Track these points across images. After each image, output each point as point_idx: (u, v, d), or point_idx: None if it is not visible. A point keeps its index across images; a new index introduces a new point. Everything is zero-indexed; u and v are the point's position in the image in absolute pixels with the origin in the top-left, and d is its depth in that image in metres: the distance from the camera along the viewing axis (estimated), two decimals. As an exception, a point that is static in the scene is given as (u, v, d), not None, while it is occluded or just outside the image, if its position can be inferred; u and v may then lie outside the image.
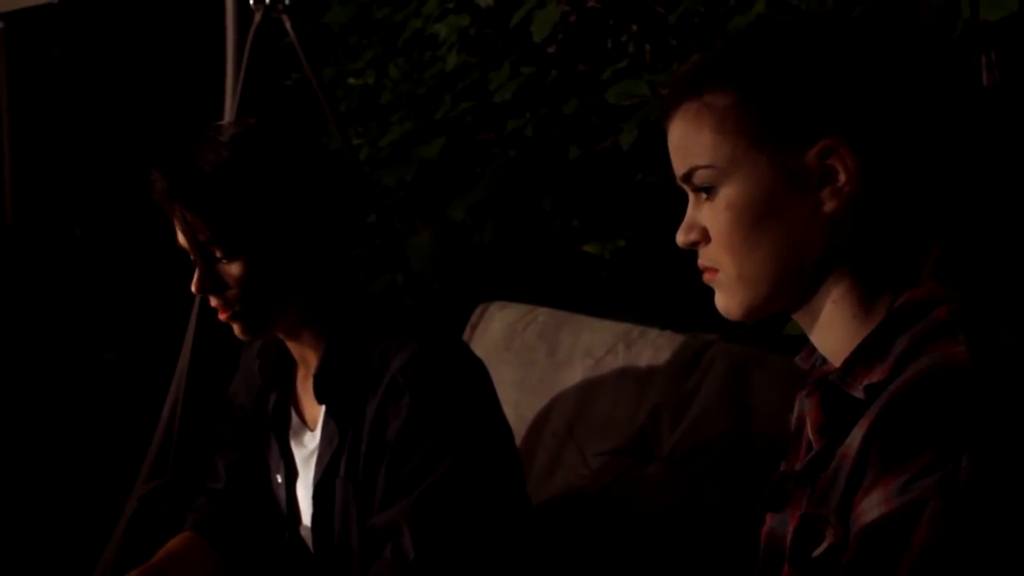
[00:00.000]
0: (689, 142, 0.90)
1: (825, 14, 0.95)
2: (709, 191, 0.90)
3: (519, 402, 1.84)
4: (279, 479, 1.47)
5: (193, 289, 1.32)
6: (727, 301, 0.92)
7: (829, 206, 0.87)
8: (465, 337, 1.99)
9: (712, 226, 0.91)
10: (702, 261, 0.93)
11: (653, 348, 1.70)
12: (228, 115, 2.14)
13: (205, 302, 1.43)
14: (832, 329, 0.90)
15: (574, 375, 1.79)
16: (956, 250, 0.88)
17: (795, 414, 1.03)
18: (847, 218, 0.87)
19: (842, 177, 0.86)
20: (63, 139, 3.86)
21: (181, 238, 1.32)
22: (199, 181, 1.28)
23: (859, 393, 0.85)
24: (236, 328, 1.35)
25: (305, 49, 2.10)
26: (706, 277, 0.93)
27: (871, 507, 0.78)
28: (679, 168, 0.92)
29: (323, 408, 1.38)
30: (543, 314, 1.92)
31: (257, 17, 2.03)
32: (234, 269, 1.31)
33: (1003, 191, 0.91)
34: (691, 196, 0.93)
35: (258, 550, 1.53)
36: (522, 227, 2.45)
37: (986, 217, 0.89)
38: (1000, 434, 0.75)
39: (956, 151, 0.87)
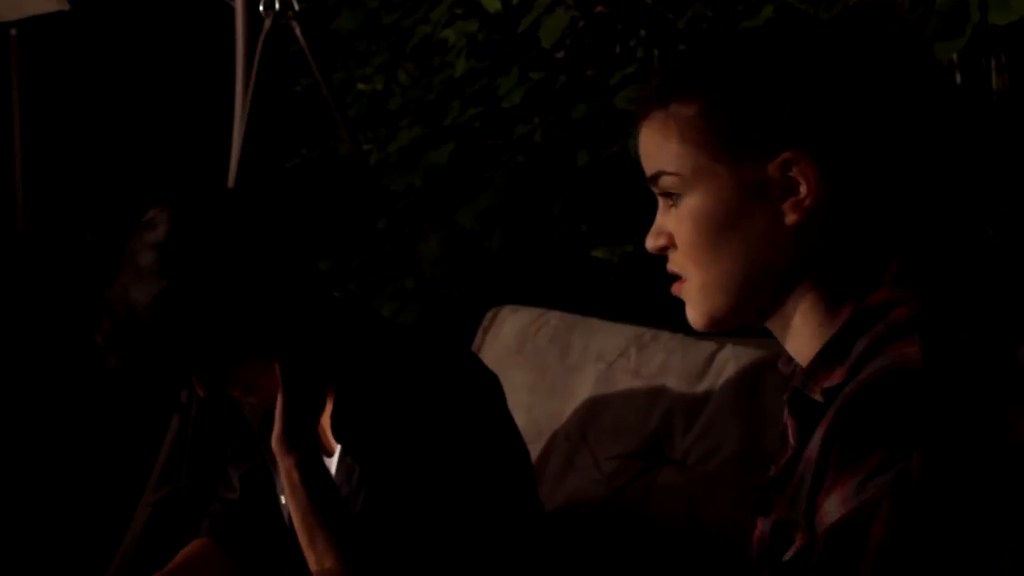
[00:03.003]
0: (656, 148, 0.92)
1: (794, 22, 0.95)
2: (674, 198, 0.91)
3: (531, 406, 1.84)
4: (283, 500, 1.46)
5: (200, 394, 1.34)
6: (691, 312, 0.93)
7: (791, 218, 0.87)
8: (476, 341, 1.99)
9: (676, 234, 0.92)
10: (670, 266, 0.94)
11: (665, 351, 1.70)
12: (238, 120, 2.15)
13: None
14: (802, 337, 0.91)
15: (586, 379, 1.79)
16: (917, 256, 0.89)
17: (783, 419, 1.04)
18: (810, 230, 0.88)
19: (803, 190, 0.87)
20: (74, 145, 3.88)
21: None
22: (139, 331, 1.22)
23: (818, 396, 0.86)
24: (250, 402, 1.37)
25: (314, 55, 2.11)
26: (674, 288, 0.94)
27: (832, 508, 0.78)
28: (647, 170, 0.94)
29: (336, 443, 1.37)
30: (554, 318, 1.92)
31: (267, 23, 2.04)
32: (200, 386, 1.32)
33: (965, 196, 0.91)
34: (660, 201, 0.94)
35: (273, 559, 1.53)
36: (531, 232, 2.46)
37: (947, 223, 0.90)
38: (951, 432, 0.75)
39: (920, 161, 0.87)
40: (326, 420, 1.38)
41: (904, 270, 0.88)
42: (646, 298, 2.24)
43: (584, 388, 1.79)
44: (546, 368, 1.86)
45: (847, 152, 0.86)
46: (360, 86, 2.92)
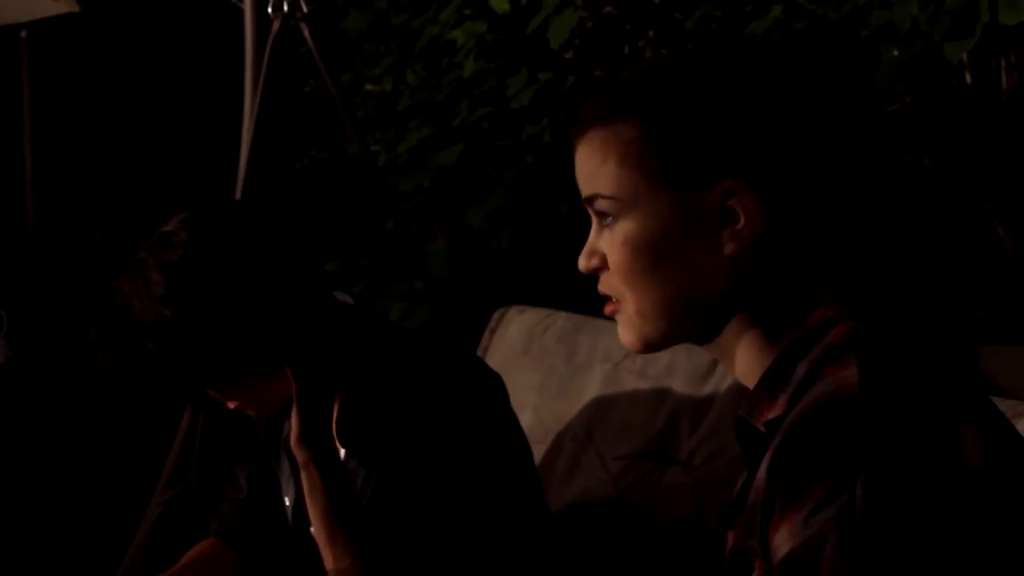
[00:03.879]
0: (593, 168, 0.89)
1: (738, 47, 0.92)
2: (609, 220, 0.89)
3: (538, 406, 1.84)
4: (287, 501, 1.47)
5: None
6: (625, 335, 0.91)
7: (728, 248, 0.86)
8: (483, 342, 2.00)
9: (610, 257, 0.89)
10: (601, 288, 0.92)
11: (671, 352, 1.70)
12: (247, 121, 2.15)
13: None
14: (743, 362, 0.90)
15: (593, 379, 1.79)
16: (854, 278, 0.88)
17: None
18: (747, 258, 0.86)
19: (741, 220, 0.85)
20: (84, 145, 3.89)
21: None
22: (143, 353, 1.23)
23: (761, 427, 0.85)
24: (248, 412, 1.36)
25: (323, 56, 2.11)
26: (607, 309, 0.92)
27: (781, 542, 0.77)
28: (582, 190, 0.91)
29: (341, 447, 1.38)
30: (561, 318, 1.92)
31: (276, 24, 2.05)
32: (216, 395, 1.32)
33: (900, 215, 0.91)
34: (593, 220, 0.92)
35: (280, 558, 1.54)
36: (540, 233, 2.46)
37: (883, 245, 0.89)
38: (892, 458, 0.74)
39: (857, 190, 0.87)
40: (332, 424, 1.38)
41: (842, 292, 0.87)
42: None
43: (591, 388, 1.79)
44: (553, 368, 1.86)
45: (786, 183, 0.85)
46: (369, 87, 2.92)
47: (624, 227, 0.88)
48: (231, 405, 1.35)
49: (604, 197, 0.89)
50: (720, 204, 0.86)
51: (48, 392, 3.09)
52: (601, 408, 1.75)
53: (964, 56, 1.99)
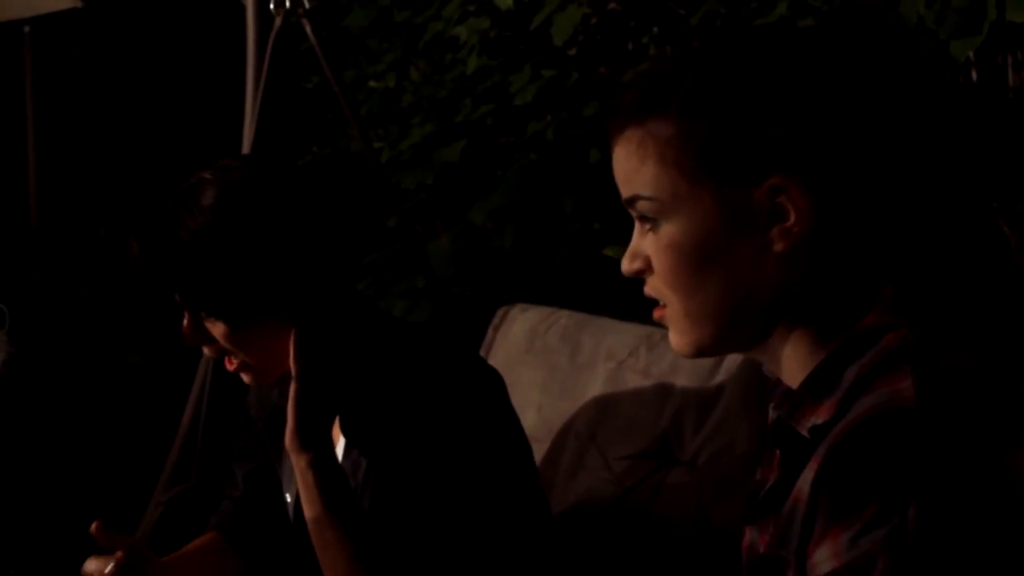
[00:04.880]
0: (632, 170, 0.85)
1: (779, 31, 0.86)
2: (652, 222, 0.85)
3: (542, 404, 1.84)
4: (288, 498, 1.46)
5: (183, 342, 1.31)
6: (677, 339, 0.88)
7: (778, 246, 0.82)
8: (487, 340, 1.99)
9: (655, 260, 0.86)
10: (648, 291, 0.88)
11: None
12: (248, 118, 2.15)
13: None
14: (791, 366, 0.86)
15: (596, 378, 1.78)
16: (910, 280, 0.83)
17: (769, 421, 0.97)
18: (798, 257, 0.82)
19: (792, 217, 0.81)
20: (87, 141, 3.89)
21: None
22: (177, 248, 1.24)
23: (805, 432, 0.81)
24: (244, 378, 1.34)
25: (325, 52, 2.10)
26: (656, 314, 0.89)
27: (822, 560, 0.74)
28: (622, 192, 0.88)
29: (342, 436, 1.37)
30: (565, 316, 1.91)
31: (277, 21, 2.04)
32: (217, 328, 1.29)
33: (964, 215, 0.85)
34: (636, 222, 0.88)
35: (277, 554, 1.53)
36: (543, 230, 2.45)
37: (943, 245, 0.84)
38: (947, 481, 0.71)
39: (919, 181, 0.82)
40: None
41: (897, 296, 0.83)
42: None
43: (594, 387, 1.78)
44: (556, 367, 1.85)
45: (840, 176, 0.80)
46: (372, 83, 2.91)
47: (667, 230, 0.84)
48: (230, 366, 1.33)
49: (644, 199, 0.85)
50: (768, 201, 0.81)
51: (50, 389, 3.09)
52: (605, 407, 1.74)
53: (970, 53, 1.98)
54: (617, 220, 2.36)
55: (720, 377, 1.61)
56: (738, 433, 1.55)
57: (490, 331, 2.01)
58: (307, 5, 2.04)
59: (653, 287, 0.88)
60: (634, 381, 1.72)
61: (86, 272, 3.64)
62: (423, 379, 1.31)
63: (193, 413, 2.06)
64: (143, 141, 3.87)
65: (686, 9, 2.36)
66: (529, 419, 1.85)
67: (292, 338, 1.27)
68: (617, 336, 1.79)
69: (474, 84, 2.61)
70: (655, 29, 2.39)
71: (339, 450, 1.37)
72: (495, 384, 1.41)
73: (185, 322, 1.30)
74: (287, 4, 2.03)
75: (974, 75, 2.19)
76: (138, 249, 1.27)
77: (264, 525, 1.54)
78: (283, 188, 1.29)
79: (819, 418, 0.81)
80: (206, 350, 1.33)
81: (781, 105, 0.80)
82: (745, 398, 1.56)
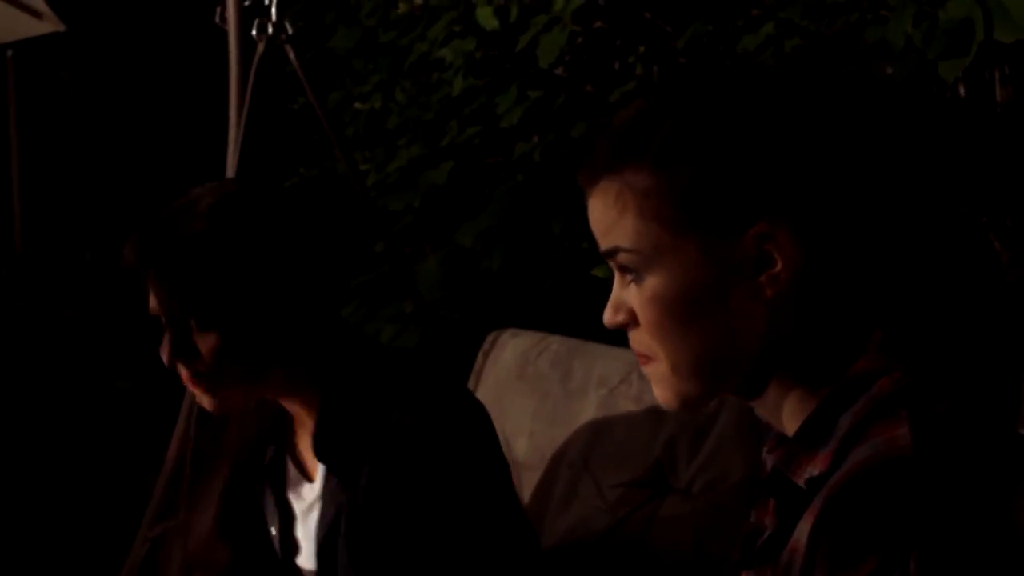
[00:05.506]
0: (610, 222, 0.82)
1: (754, 76, 0.82)
2: (634, 274, 0.82)
3: (534, 431, 1.82)
4: (274, 531, 1.44)
5: (164, 359, 1.28)
6: (663, 393, 0.84)
7: (766, 293, 0.79)
8: (477, 366, 1.97)
9: (640, 314, 0.82)
10: (633, 345, 0.85)
11: (667, 377, 1.67)
12: (232, 144, 2.13)
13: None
14: (782, 409, 0.84)
15: (588, 404, 1.77)
16: (900, 324, 0.81)
17: (763, 461, 0.95)
18: (786, 303, 0.79)
19: (779, 263, 0.78)
20: (72, 165, 3.87)
21: (153, 304, 1.28)
22: (174, 251, 1.24)
23: (802, 483, 0.79)
24: (206, 402, 1.31)
25: (309, 75, 2.09)
26: (642, 365, 0.86)
27: None
28: (600, 244, 0.84)
29: (321, 464, 1.35)
30: (555, 342, 1.90)
31: (260, 47, 2.03)
32: (207, 341, 1.26)
33: (951, 250, 0.81)
34: (616, 273, 0.85)
35: None
36: (532, 252, 2.43)
37: (933, 285, 0.81)
38: (947, 532, 0.69)
39: (907, 222, 0.79)
40: (306, 444, 1.35)
41: (888, 338, 0.80)
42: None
43: (586, 414, 1.76)
44: (547, 393, 1.84)
45: (825, 217, 0.78)
46: (357, 105, 2.90)
47: (651, 283, 0.81)
48: (195, 387, 1.30)
49: (625, 251, 0.81)
50: (755, 248, 0.78)
51: (36, 416, 3.06)
52: (597, 434, 1.72)
53: (958, 70, 1.97)
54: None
55: (713, 404, 1.60)
56: (733, 461, 1.54)
57: (480, 357, 1.99)
58: (289, 31, 2.03)
59: (638, 342, 0.85)
60: (627, 408, 1.70)
61: (72, 297, 3.62)
62: (412, 412, 1.29)
63: (180, 443, 2.03)
64: (128, 165, 3.85)
65: (672, 27, 2.36)
66: (521, 446, 1.84)
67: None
68: (609, 362, 1.78)
69: (460, 106, 2.59)
70: (641, 48, 2.38)
71: (318, 477, 1.36)
72: (483, 417, 1.39)
73: (166, 339, 1.27)
74: (269, 30, 2.02)
75: (962, 90, 2.19)
76: (134, 255, 1.26)
77: (245, 564, 1.51)
78: (278, 199, 1.31)
79: (815, 469, 0.78)
80: (182, 370, 1.30)
81: (762, 149, 0.78)
82: (739, 426, 1.55)
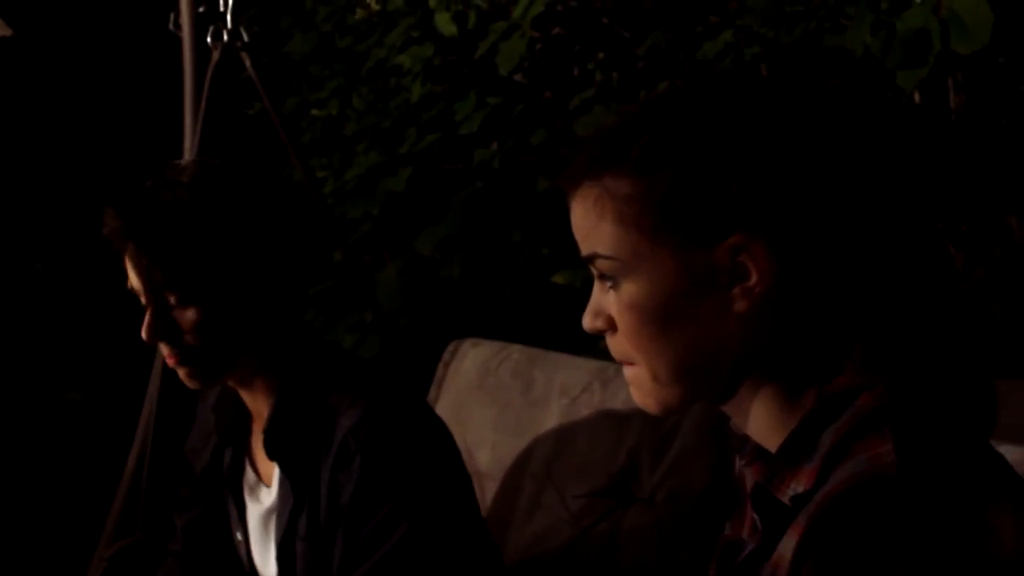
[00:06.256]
0: (590, 227, 0.83)
1: (734, 87, 0.84)
2: (613, 280, 0.83)
3: (496, 442, 1.81)
4: (239, 536, 1.43)
5: (144, 335, 1.27)
6: (643, 399, 0.85)
7: (740, 305, 0.80)
8: (437, 376, 1.96)
9: (618, 320, 0.84)
10: (613, 352, 0.86)
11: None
12: (187, 151, 2.10)
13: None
14: (761, 423, 0.84)
15: (550, 414, 1.76)
16: (881, 338, 0.81)
17: (736, 474, 0.96)
18: (762, 315, 0.80)
19: (754, 276, 0.79)
20: (21, 172, 3.79)
21: (133, 280, 1.27)
22: (156, 222, 1.24)
23: (786, 500, 0.80)
24: (184, 375, 1.30)
25: (265, 83, 2.06)
26: (625, 371, 0.87)
27: None
28: (580, 248, 0.86)
29: (278, 465, 1.34)
30: (516, 351, 1.89)
31: (215, 55, 1.99)
32: (189, 315, 1.26)
33: (932, 270, 0.82)
34: (596, 279, 0.86)
35: None
36: (492, 260, 2.42)
37: (912, 301, 0.81)
38: (934, 550, 0.69)
39: (884, 237, 0.80)
40: (259, 444, 1.34)
41: (868, 354, 0.81)
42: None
43: (548, 424, 1.75)
44: (509, 403, 1.83)
45: (800, 232, 0.78)
46: (314, 111, 2.87)
47: (628, 290, 0.82)
48: (174, 361, 1.29)
49: (604, 258, 0.83)
50: (729, 260, 0.79)
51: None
52: (560, 444, 1.71)
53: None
54: (566, 247, 2.34)
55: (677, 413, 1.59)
56: (695, 470, 1.53)
57: (440, 367, 1.97)
58: (245, 38, 2.00)
59: (616, 348, 0.85)
60: (589, 417, 1.69)
61: (24, 307, 3.55)
62: (372, 418, 1.27)
63: (137, 458, 2.00)
64: (80, 172, 3.78)
65: (631, 32, 2.36)
66: (483, 457, 1.82)
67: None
68: (570, 372, 1.77)
69: (419, 112, 2.57)
70: (600, 55, 2.38)
71: (274, 481, 1.34)
72: (441, 427, 1.39)
73: (148, 317, 1.27)
74: (225, 37, 1.99)
75: (916, 97, 2.21)
76: (116, 222, 1.24)
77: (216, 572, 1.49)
78: (257, 173, 1.31)
79: (800, 486, 0.79)
80: (164, 348, 1.29)
81: (738, 161, 0.79)
82: (701, 434, 1.55)
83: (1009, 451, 1.00)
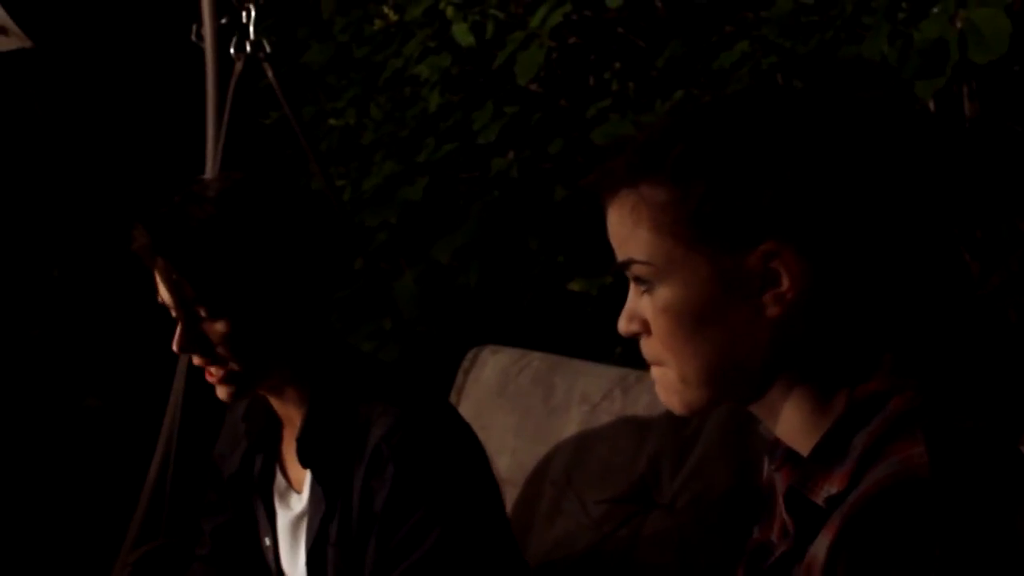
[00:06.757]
0: (626, 233, 0.87)
1: (768, 98, 0.87)
2: (647, 284, 0.86)
3: (516, 449, 1.82)
4: (267, 542, 1.44)
5: (175, 348, 1.30)
6: (669, 399, 0.88)
7: (772, 311, 0.83)
8: (457, 383, 1.97)
9: (652, 324, 0.87)
10: (645, 354, 0.89)
11: (650, 393, 1.68)
12: (210, 163, 2.12)
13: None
14: (791, 425, 0.87)
15: (571, 421, 1.77)
16: (911, 344, 0.84)
17: (764, 478, 0.98)
18: (793, 321, 0.83)
19: (785, 282, 0.82)
20: (40, 181, 3.82)
21: (163, 294, 1.30)
22: (186, 238, 1.26)
23: (820, 502, 0.82)
24: (221, 391, 1.33)
25: (286, 91, 2.08)
26: (653, 372, 0.90)
27: None
28: (617, 254, 0.89)
29: (309, 472, 1.35)
30: (536, 358, 1.90)
31: (238, 66, 2.01)
32: (219, 328, 1.28)
33: (960, 279, 0.86)
34: (631, 283, 0.89)
35: None
36: (509, 268, 2.44)
37: (941, 308, 0.85)
38: (967, 552, 0.71)
39: (914, 247, 0.83)
40: (294, 454, 1.36)
41: (898, 359, 0.83)
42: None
43: (569, 431, 1.77)
44: (529, 410, 1.84)
45: (831, 240, 0.81)
46: (332, 121, 2.88)
47: (663, 294, 0.85)
48: (212, 377, 1.32)
49: (639, 263, 0.86)
50: (761, 266, 0.82)
51: (4, 434, 3.02)
52: (580, 451, 1.73)
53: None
54: (582, 254, 2.35)
55: (697, 419, 1.61)
56: (717, 475, 1.55)
57: (460, 374, 1.99)
58: (268, 48, 2.02)
59: (649, 350, 0.88)
60: (609, 424, 1.71)
61: (41, 314, 3.57)
62: (405, 425, 1.29)
63: (161, 463, 2.01)
64: (99, 182, 3.81)
65: (646, 42, 2.37)
66: (504, 464, 1.84)
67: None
68: (590, 379, 1.78)
69: (436, 122, 2.59)
70: (617, 64, 2.40)
71: (305, 487, 1.36)
72: (469, 432, 1.40)
73: (180, 331, 1.29)
74: (248, 48, 2.01)
75: (931, 105, 2.22)
76: (146, 238, 1.27)
77: None
78: (282, 187, 1.34)
79: (833, 487, 0.81)
80: (195, 359, 1.32)
81: (771, 170, 0.81)
82: (723, 440, 1.56)
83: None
